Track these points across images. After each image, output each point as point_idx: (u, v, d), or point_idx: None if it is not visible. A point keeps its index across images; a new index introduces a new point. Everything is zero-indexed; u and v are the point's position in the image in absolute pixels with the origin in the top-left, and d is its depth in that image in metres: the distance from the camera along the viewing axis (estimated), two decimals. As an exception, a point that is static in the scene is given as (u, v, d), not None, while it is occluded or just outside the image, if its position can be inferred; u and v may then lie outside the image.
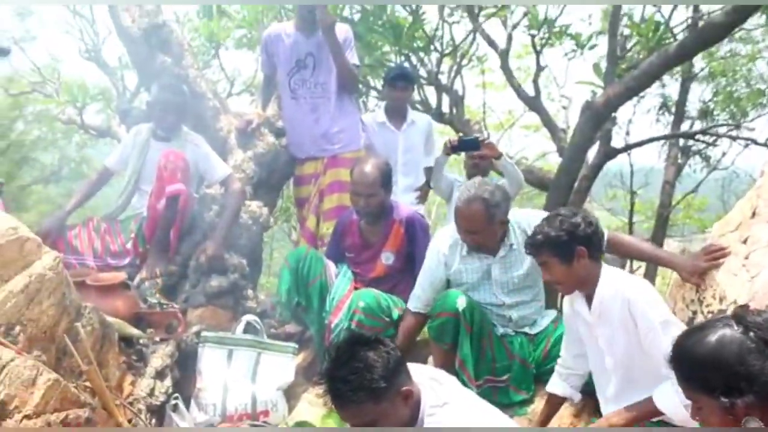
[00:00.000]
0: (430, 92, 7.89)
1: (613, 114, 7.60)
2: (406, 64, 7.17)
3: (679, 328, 2.61)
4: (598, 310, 2.85)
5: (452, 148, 4.47)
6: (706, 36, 5.21)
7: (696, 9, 8.60)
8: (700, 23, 6.34)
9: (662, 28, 7.40)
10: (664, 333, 2.62)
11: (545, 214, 3.20)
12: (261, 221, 4.49)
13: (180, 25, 8.86)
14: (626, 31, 7.82)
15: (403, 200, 4.85)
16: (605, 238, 3.13)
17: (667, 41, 6.73)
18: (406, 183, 4.99)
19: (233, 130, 4.83)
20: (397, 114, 5.06)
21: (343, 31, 4.72)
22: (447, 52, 7.67)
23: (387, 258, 4.01)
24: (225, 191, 4.38)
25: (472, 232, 3.48)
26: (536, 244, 2.85)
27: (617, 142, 8.87)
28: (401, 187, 4.90)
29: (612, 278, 2.84)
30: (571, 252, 2.79)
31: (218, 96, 5.24)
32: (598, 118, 5.52)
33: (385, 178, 3.95)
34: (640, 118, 10.02)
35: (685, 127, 9.76)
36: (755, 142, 8.70)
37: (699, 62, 9.87)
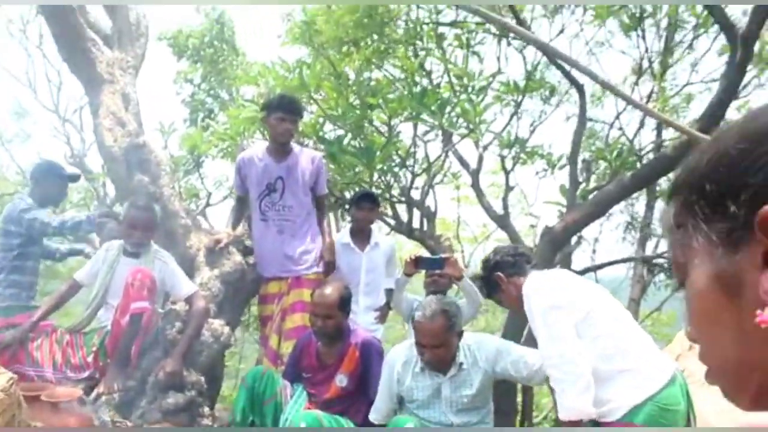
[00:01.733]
0: (402, 208, 8.15)
1: (578, 235, 7.88)
2: (380, 182, 7.46)
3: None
4: None
5: (415, 266, 4.66)
6: (660, 167, 5.51)
7: (659, 134, 9.04)
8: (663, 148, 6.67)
9: (626, 151, 7.80)
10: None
11: (496, 339, 3.43)
12: (222, 340, 4.60)
13: (164, 135, 9.20)
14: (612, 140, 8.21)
15: (364, 320, 5.00)
16: None
17: (629, 165, 7.08)
18: (367, 303, 5.14)
19: (202, 248, 5.01)
20: (361, 235, 5.26)
21: (315, 160, 5.00)
22: (420, 171, 7.97)
23: (341, 380, 4.11)
24: (189, 308, 4.51)
25: (435, 347, 3.63)
26: None
27: (584, 260, 9.12)
28: (362, 307, 5.06)
29: None
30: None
31: (191, 214, 5.45)
32: (556, 243, 5.76)
33: (344, 301, 4.11)
34: (607, 235, 10.30)
35: (651, 245, 10.06)
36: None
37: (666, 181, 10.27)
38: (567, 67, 7.89)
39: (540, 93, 9.27)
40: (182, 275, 4.60)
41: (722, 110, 5.13)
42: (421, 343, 3.64)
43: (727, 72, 5.18)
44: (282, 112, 4.82)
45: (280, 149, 4.93)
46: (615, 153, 7.49)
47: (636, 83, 8.61)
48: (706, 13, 7.44)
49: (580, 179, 6.75)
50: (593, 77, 3.99)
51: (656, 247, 10.02)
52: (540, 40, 4.66)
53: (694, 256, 0.74)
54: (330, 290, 4.11)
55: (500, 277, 3.47)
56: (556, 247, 5.89)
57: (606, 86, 4.46)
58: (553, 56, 5.07)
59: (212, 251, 4.98)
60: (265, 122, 4.97)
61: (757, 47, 6.92)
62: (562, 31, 8.85)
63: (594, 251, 9.51)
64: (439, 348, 3.62)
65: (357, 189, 7.03)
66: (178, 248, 4.92)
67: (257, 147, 5.39)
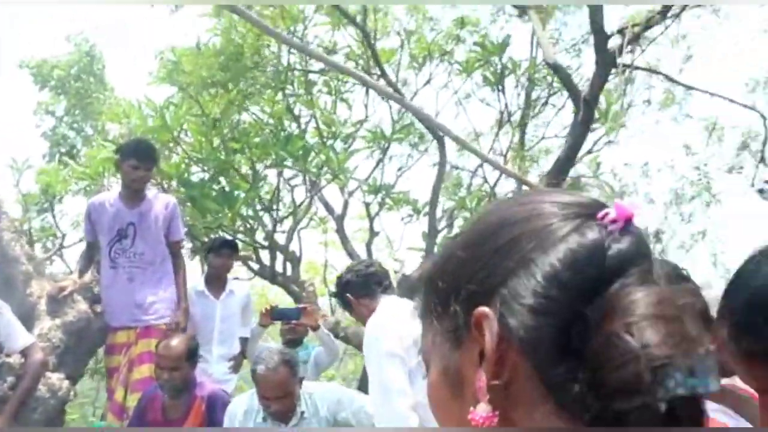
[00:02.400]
0: (267, 254, 8.10)
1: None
2: (243, 227, 7.40)
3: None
4: None
5: (270, 318, 4.63)
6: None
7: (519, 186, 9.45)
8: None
9: (487, 199, 8.12)
10: None
11: (339, 388, 3.47)
12: (60, 394, 4.38)
13: (16, 172, 8.76)
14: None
15: (217, 369, 4.91)
16: None
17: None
18: (221, 352, 5.05)
19: (44, 296, 4.77)
20: (216, 282, 5.19)
21: (169, 205, 4.90)
22: (285, 216, 7.97)
23: (186, 435, 4.01)
24: (24, 361, 4.27)
25: (280, 398, 3.60)
26: None
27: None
28: (215, 356, 4.97)
29: None
30: None
31: (34, 260, 5.19)
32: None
33: (191, 352, 4.03)
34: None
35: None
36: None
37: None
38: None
39: (409, 139, 9.54)
40: (18, 326, 4.34)
41: (568, 165, 5.46)
42: (265, 396, 3.61)
43: (572, 130, 5.52)
44: (136, 159, 4.70)
45: (133, 194, 4.80)
46: (475, 201, 7.78)
47: (497, 135, 8.99)
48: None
49: (439, 227, 6.93)
50: (446, 132, 4.17)
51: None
52: (395, 95, 4.85)
53: (432, 349, 0.78)
54: (176, 341, 4.02)
55: (349, 298, 3.50)
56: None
57: (458, 141, 4.67)
58: (409, 110, 5.22)
59: (55, 299, 4.74)
60: (119, 167, 4.84)
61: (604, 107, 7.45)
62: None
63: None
64: (284, 398, 3.61)
65: (218, 233, 6.94)
66: (17, 296, 4.66)
67: (109, 192, 5.23)
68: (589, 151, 9.54)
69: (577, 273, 0.66)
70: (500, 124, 9.10)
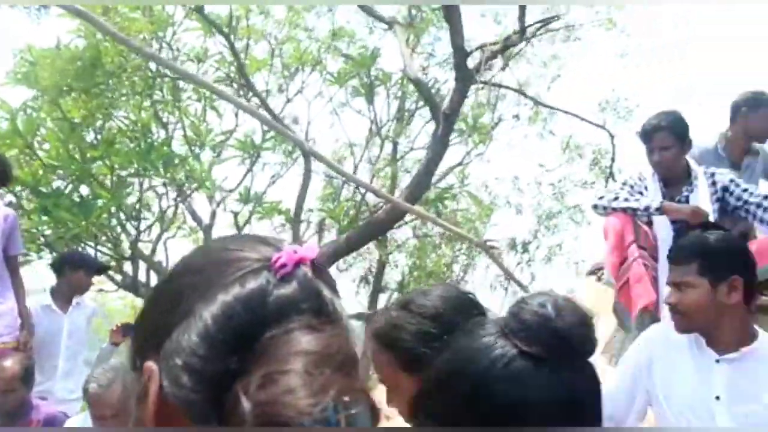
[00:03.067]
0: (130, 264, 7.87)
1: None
2: (102, 237, 7.15)
3: None
4: None
5: (122, 335, 4.49)
6: (370, 232, 5.85)
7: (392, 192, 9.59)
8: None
9: (357, 210, 8.19)
10: None
11: None
12: None
13: None
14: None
15: (63, 387, 4.72)
16: None
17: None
18: (67, 368, 4.85)
19: None
20: (63, 297, 4.98)
21: (8, 218, 4.65)
22: (149, 224, 7.77)
23: (19, 460, 3.83)
24: None
25: (116, 416, 3.48)
26: None
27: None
28: (61, 373, 4.77)
29: None
30: None
31: None
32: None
33: (27, 373, 3.84)
34: (343, 287, 10.66)
35: (383, 298, 10.60)
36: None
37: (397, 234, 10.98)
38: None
39: (283, 147, 9.48)
40: None
41: (428, 178, 5.59)
42: (98, 416, 3.49)
43: (431, 144, 5.66)
44: None
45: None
46: (343, 212, 7.84)
47: (366, 145, 9.11)
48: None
49: (306, 237, 6.95)
50: (309, 151, 4.18)
51: (389, 300, 10.58)
52: (259, 113, 4.81)
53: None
54: (10, 362, 3.81)
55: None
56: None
57: (314, 154, 4.69)
58: (272, 128, 5.19)
59: None
60: None
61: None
62: (300, 91, 9.19)
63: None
64: (119, 417, 3.50)
65: (78, 245, 6.69)
66: None
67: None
68: (460, 164, 9.85)
69: (229, 326, 0.66)
70: (372, 135, 9.21)
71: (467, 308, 1.49)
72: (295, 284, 0.69)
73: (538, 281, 10.50)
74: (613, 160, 8.79)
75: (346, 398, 0.63)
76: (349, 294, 10.43)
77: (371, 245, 10.20)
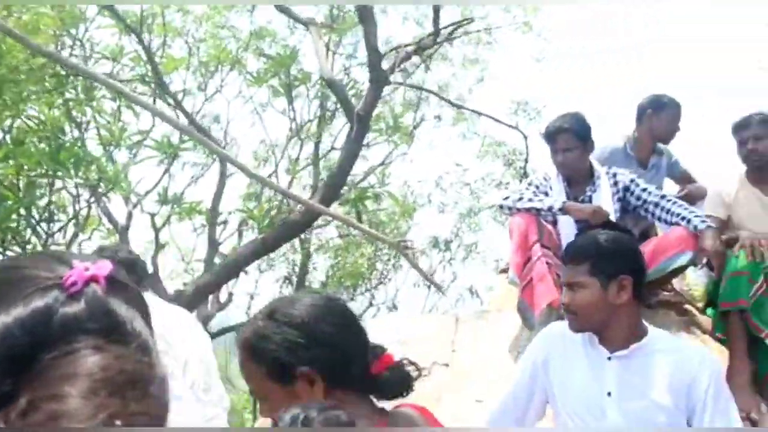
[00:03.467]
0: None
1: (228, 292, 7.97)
2: (15, 240, 6.88)
3: None
4: None
5: None
6: (286, 233, 5.80)
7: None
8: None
9: (277, 211, 8.11)
10: None
11: None
12: None
13: None
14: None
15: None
16: None
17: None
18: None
19: None
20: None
21: None
22: (61, 227, 7.51)
23: None
24: None
25: None
26: None
27: (241, 315, 9.27)
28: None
29: None
30: None
31: None
32: (188, 306, 5.75)
33: None
34: (266, 287, 10.61)
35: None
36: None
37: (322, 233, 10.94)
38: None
39: (203, 147, 9.31)
40: None
41: (342, 179, 5.58)
42: None
43: (346, 145, 5.65)
44: None
45: None
46: (263, 213, 7.74)
47: (287, 145, 9.04)
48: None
49: (221, 238, 6.85)
50: (214, 150, 4.10)
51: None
52: (174, 120, 4.70)
53: None
54: None
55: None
56: (189, 309, 5.89)
57: (227, 158, 4.62)
58: (186, 133, 5.06)
59: None
60: None
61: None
62: (219, 91, 9.05)
63: (249, 307, 9.69)
64: None
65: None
66: None
67: None
68: (382, 163, 9.88)
69: (4, 347, 0.64)
70: (292, 135, 9.15)
71: (336, 316, 1.48)
72: (83, 303, 0.67)
73: (459, 279, 10.66)
74: (526, 161, 8.98)
75: (118, 422, 0.61)
76: (273, 295, 10.35)
77: (295, 245, 10.15)
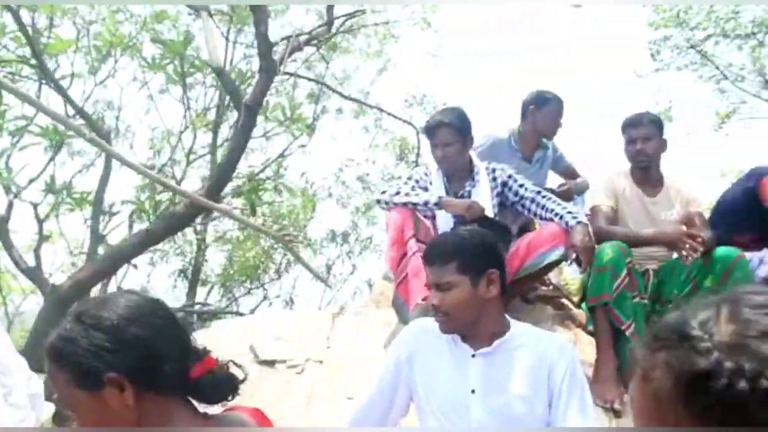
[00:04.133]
0: None
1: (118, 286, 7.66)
2: None
3: None
4: None
5: None
6: (172, 224, 5.61)
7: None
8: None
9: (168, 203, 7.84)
10: None
11: None
12: None
13: None
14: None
15: None
16: None
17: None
18: None
19: None
20: None
21: None
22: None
23: None
24: None
25: None
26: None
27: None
28: None
29: None
30: None
31: None
32: (64, 301, 5.49)
33: None
34: (159, 281, 10.33)
35: (203, 292, 10.33)
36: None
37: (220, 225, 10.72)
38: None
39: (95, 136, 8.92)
40: None
41: (230, 171, 5.42)
42: None
43: (233, 135, 5.50)
44: None
45: None
46: (154, 204, 7.48)
47: (180, 134, 8.77)
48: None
49: (105, 231, 6.57)
50: (105, 149, 3.90)
51: (209, 293, 10.32)
52: (52, 110, 4.41)
53: None
54: None
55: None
56: (65, 306, 5.62)
57: (105, 149, 4.41)
58: (66, 125, 4.77)
59: None
60: None
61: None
62: (112, 75, 8.69)
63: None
64: None
65: None
66: None
67: None
68: (281, 155, 9.73)
69: None
70: (187, 123, 8.89)
71: (150, 317, 1.40)
72: None
73: (358, 272, 10.63)
74: (418, 154, 9.03)
75: None
76: (166, 289, 10.07)
77: (189, 237, 9.90)
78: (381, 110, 8.53)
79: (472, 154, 3.71)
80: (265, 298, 10.35)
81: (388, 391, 2.41)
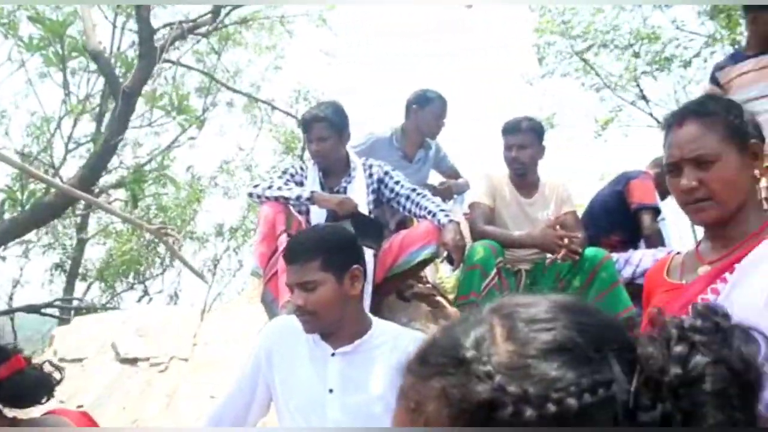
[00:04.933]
0: None
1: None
2: None
3: None
4: None
5: None
6: (39, 214, 5.34)
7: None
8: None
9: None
10: None
11: None
12: None
13: None
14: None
15: None
16: None
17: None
18: None
19: None
20: None
21: None
22: None
23: None
24: None
25: None
26: None
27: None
28: None
29: None
30: None
31: None
32: None
33: None
34: (35, 275, 9.85)
35: (82, 286, 9.90)
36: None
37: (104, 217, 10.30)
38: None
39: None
40: None
41: (106, 160, 5.19)
42: None
43: (110, 122, 5.27)
44: None
45: None
46: (29, 194, 7.07)
47: (60, 120, 8.33)
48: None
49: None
50: None
51: (88, 289, 9.89)
52: None
53: None
54: None
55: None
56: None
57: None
58: None
59: None
60: None
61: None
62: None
63: (11, 297, 8.87)
64: None
65: None
66: None
67: None
68: (168, 147, 9.41)
69: None
70: (67, 110, 8.45)
71: None
72: None
73: (246, 267, 10.42)
74: (303, 148, 8.94)
75: None
76: (43, 282, 9.59)
77: (68, 229, 9.44)
78: (269, 104, 8.39)
79: (350, 149, 3.69)
80: (145, 293, 9.97)
81: (247, 390, 2.34)
